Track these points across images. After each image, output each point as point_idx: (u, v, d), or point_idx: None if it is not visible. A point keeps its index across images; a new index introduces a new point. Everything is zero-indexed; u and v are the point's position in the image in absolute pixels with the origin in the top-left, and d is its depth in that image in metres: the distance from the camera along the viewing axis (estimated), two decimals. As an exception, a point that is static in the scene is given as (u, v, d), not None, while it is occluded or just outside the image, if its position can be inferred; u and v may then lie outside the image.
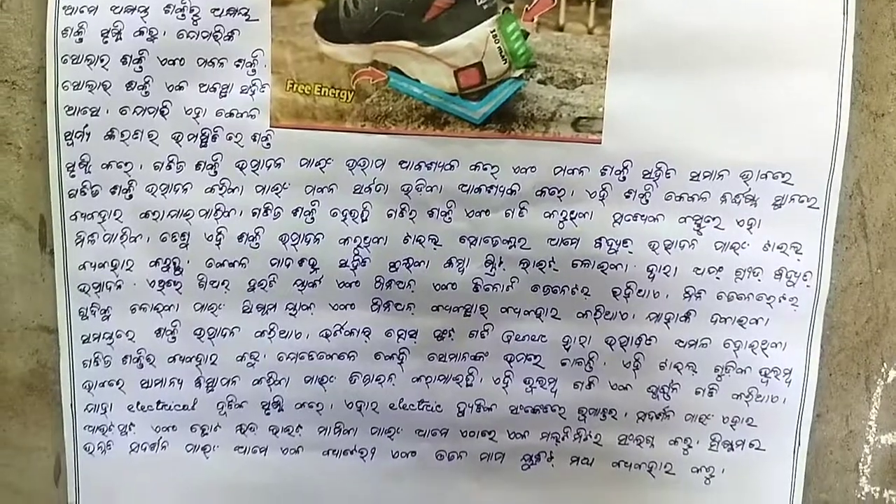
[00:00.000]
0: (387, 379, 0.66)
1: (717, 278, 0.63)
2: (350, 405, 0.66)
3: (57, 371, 0.66)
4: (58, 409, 0.67)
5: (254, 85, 0.59)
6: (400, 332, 0.65)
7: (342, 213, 0.62)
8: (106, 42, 0.58)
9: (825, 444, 0.68)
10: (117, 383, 0.66)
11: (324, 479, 0.68)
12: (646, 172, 0.61)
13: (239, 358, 0.65)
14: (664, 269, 0.63)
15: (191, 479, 0.68)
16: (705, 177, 0.61)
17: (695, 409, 0.66)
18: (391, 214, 0.62)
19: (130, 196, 0.62)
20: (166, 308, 0.64)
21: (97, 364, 0.65)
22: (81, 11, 0.58)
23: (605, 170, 0.61)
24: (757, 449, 0.66)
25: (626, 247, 0.62)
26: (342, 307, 0.64)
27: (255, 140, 0.60)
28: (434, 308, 0.64)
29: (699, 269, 0.62)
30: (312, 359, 0.65)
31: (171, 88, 0.59)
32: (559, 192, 0.61)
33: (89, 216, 0.62)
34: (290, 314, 0.64)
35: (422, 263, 0.63)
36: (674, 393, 0.65)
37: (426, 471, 0.68)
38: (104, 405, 0.66)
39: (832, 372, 0.66)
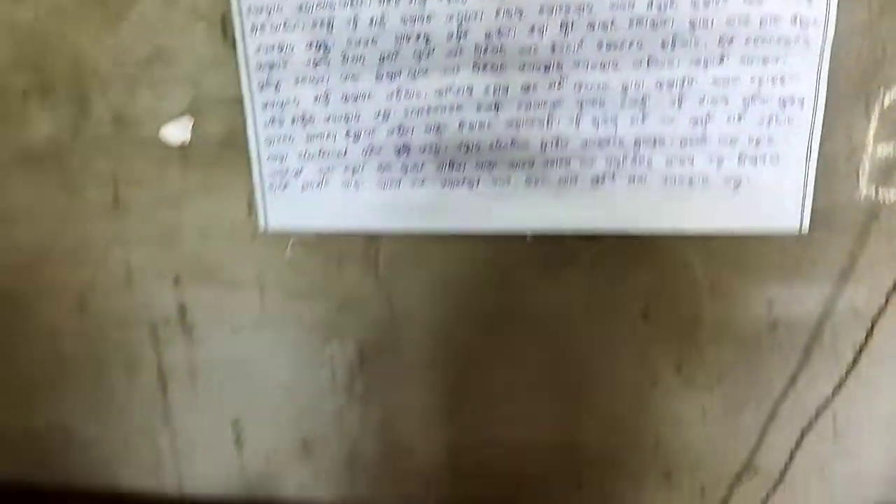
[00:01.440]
0: (487, 125, 0.75)
1: (745, 25, 0.69)
2: (460, 147, 0.77)
3: (244, 131, 0.80)
4: (247, 159, 0.81)
5: None
6: (495, 88, 0.74)
7: None
8: None
9: (832, 157, 0.74)
10: (289, 139, 0.79)
11: (444, 203, 0.79)
12: None
13: (376, 115, 0.76)
14: (702, 22, 0.69)
15: (348, 206, 0.81)
16: None
17: (726, 133, 0.72)
18: None
19: None
20: (320, 80, 0.76)
21: (274, 125, 0.78)
22: None
23: None
24: (776, 163, 0.73)
25: (672, 6, 0.69)
26: (451, 71, 0.74)
27: None
28: (521, 67, 0.73)
29: (731, 20, 0.69)
30: (430, 113, 0.76)
31: None
32: None
33: (259, 11, 0.74)
34: (412, 79, 0.75)
35: (510, 32, 0.71)
36: (710, 123, 0.72)
37: (518, 193, 0.78)
38: (281, 155, 0.80)
39: (838, 99, 0.72)
